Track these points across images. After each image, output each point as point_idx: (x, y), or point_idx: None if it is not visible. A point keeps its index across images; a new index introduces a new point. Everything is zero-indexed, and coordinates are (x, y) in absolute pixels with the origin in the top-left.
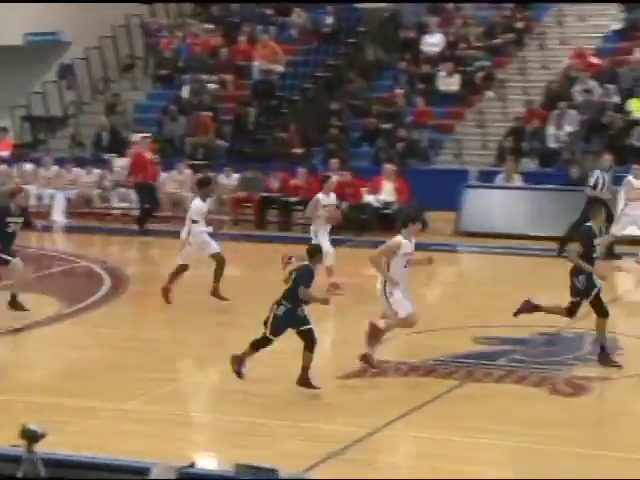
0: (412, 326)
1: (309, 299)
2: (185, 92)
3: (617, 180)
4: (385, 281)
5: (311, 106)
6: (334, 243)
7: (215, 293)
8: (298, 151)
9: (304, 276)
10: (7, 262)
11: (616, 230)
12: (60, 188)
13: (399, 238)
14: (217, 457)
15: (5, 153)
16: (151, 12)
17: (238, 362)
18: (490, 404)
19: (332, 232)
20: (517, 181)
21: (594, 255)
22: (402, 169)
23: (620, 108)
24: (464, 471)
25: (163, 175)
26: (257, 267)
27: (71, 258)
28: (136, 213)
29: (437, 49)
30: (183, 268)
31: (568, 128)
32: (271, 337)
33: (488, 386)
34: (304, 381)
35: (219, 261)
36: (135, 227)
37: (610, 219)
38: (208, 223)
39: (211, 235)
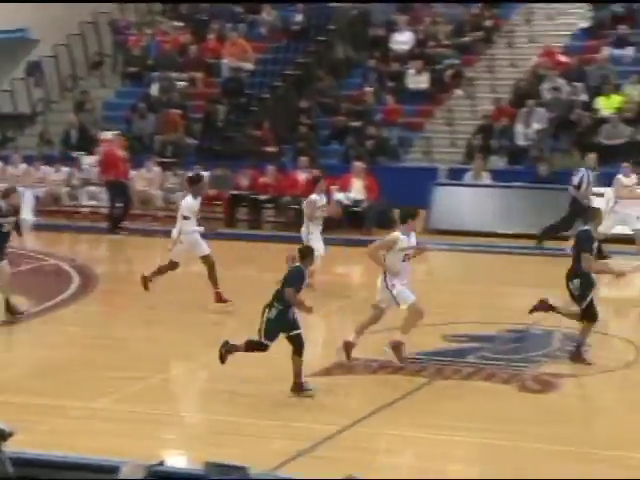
0: (421, 316)
1: (294, 302)
2: (154, 90)
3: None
4: (385, 274)
5: (280, 104)
6: (302, 241)
7: (219, 299)
8: (272, 149)
9: (294, 277)
10: None
11: (605, 229)
12: (28, 186)
13: (397, 234)
14: (186, 455)
15: None
16: (120, 10)
17: (227, 349)
18: (459, 401)
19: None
20: (486, 179)
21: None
22: (372, 167)
23: (588, 106)
24: (433, 468)
25: (132, 173)
26: (227, 265)
27: (40, 256)
28: (105, 211)
29: (406, 47)
30: (173, 265)
31: (536, 126)
32: (266, 342)
33: (457, 383)
34: (299, 387)
35: (209, 264)
36: (104, 225)
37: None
38: (199, 223)
39: (202, 235)
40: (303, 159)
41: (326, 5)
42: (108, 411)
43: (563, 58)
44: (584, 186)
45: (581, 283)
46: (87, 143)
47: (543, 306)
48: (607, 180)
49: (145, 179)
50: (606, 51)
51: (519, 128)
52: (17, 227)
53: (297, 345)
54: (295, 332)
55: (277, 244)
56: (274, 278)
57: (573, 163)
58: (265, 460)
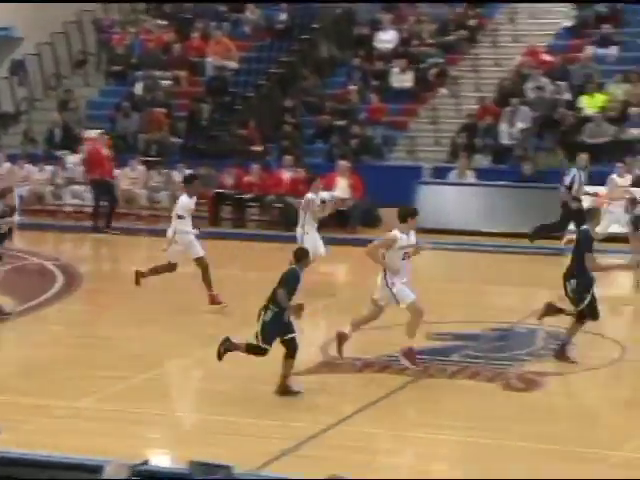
0: (422, 315)
1: (285, 304)
2: (138, 88)
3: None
4: (385, 273)
5: (265, 103)
6: (288, 240)
7: (213, 301)
8: (258, 148)
9: (289, 279)
10: None
11: (600, 229)
12: (12, 185)
13: (395, 232)
14: (171, 454)
15: None
16: (103, 8)
17: (227, 347)
18: (443, 400)
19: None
20: (470, 177)
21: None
22: (356, 166)
23: (571, 105)
24: (418, 467)
25: (116, 172)
26: (211, 264)
27: (23, 255)
28: (89, 210)
29: (390, 46)
30: (171, 267)
31: (520, 125)
32: (265, 347)
33: (442, 382)
34: (285, 390)
35: (203, 266)
36: (89, 224)
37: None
38: (193, 222)
39: (197, 236)
40: (287, 158)
41: (310, 4)
42: (92, 410)
43: (547, 57)
44: (575, 186)
45: (578, 284)
46: (71, 142)
47: (551, 309)
48: (593, 180)
49: (129, 178)
50: (590, 50)
51: (503, 127)
52: (10, 230)
53: (291, 349)
54: (289, 336)
55: (261, 243)
56: (258, 277)
57: (557, 162)
58: (249, 459)
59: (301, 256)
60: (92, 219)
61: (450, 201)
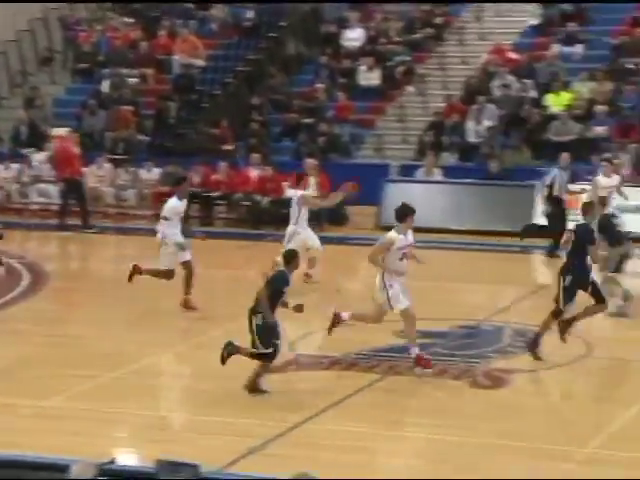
0: (414, 320)
1: (263, 307)
2: (105, 86)
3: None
4: (383, 274)
5: (232, 101)
6: (255, 238)
7: (187, 305)
8: (230, 147)
9: (275, 282)
10: None
11: None
12: None
13: (393, 234)
14: (138, 453)
15: None
16: (70, 5)
17: (229, 351)
18: (411, 397)
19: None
20: (437, 175)
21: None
22: (323, 164)
23: (537, 103)
24: (385, 464)
25: (83, 170)
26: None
27: None
28: (56, 208)
29: (357, 44)
30: (169, 274)
31: (487, 123)
32: (268, 351)
33: (409, 379)
34: (254, 387)
35: (189, 270)
36: (55, 222)
37: (563, 217)
38: (184, 228)
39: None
40: (255, 156)
41: (278, 2)
42: (59, 409)
43: (513, 55)
44: (557, 186)
45: (572, 280)
46: (37, 140)
47: (567, 324)
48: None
49: (96, 176)
50: (555, 48)
51: (470, 125)
52: None
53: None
54: (276, 341)
55: (229, 241)
56: (226, 275)
57: (523, 160)
58: (216, 458)
59: (290, 258)
60: (59, 217)
61: (417, 199)
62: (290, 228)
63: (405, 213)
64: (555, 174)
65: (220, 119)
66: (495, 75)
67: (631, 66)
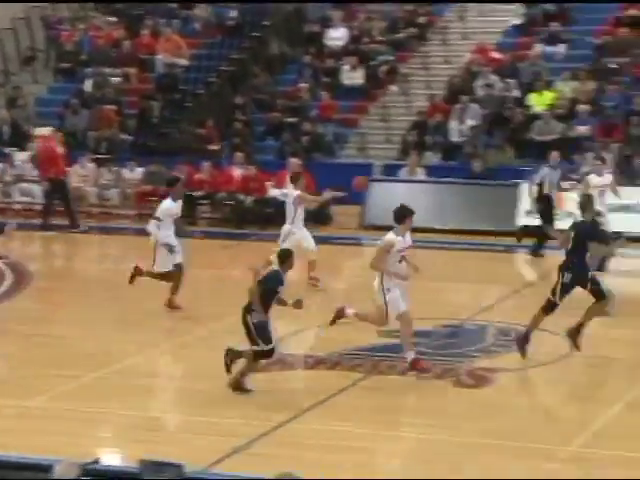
0: (411, 325)
1: (257, 307)
2: (88, 85)
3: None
4: (382, 277)
5: (215, 100)
6: (239, 237)
7: (171, 304)
8: (216, 147)
9: (268, 281)
10: None
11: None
12: None
13: (392, 236)
14: (122, 453)
15: None
16: (52, 5)
17: (232, 357)
18: (394, 397)
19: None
20: (420, 175)
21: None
22: (307, 163)
23: (520, 102)
24: (369, 463)
25: (67, 170)
26: None
27: None
28: (39, 208)
29: (341, 43)
30: (167, 276)
31: (470, 122)
32: (269, 348)
33: (392, 378)
34: (238, 385)
35: (179, 272)
36: (37, 222)
37: (551, 215)
38: (180, 229)
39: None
40: (238, 155)
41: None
42: (43, 409)
43: (496, 55)
44: (547, 184)
45: (572, 278)
46: (19, 139)
47: (576, 332)
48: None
49: (79, 176)
50: (538, 48)
51: (453, 124)
52: None
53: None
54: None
55: (212, 240)
56: (210, 275)
57: (506, 159)
58: (201, 457)
59: (285, 258)
60: (42, 217)
61: (400, 198)
62: (285, 227)
63: (404, 214)
64: (545, 172)
65: (204, 119)
66: (478, 75)
67: (614, 66)
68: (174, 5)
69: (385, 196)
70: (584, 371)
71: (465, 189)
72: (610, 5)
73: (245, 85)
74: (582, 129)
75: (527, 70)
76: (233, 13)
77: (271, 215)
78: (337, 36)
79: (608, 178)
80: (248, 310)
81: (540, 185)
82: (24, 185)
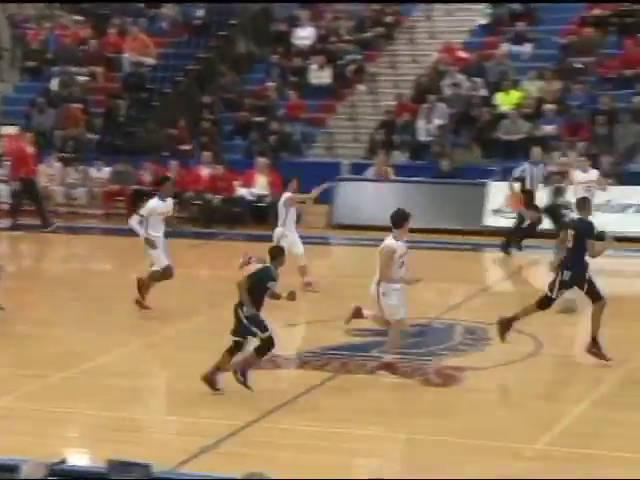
0: (401, 333)
1: (245, 301)
2: (54, 84)
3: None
4: (379, 282)
5: (182, 99)
6: (207, 237)
7: (141, 303)
8: (187, 147)
9: (258, 276)
10: None
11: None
12: None
13: (392, 242)
14: (89, 453)
15: None
16: (18, 3)
17: (242, 373)
18: (362, 395)
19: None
20: (391, 175)
21: None
22: (275, 162)
23: (487, 101)
24: (336, 462)
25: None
26: (129, 262)
27: None
28: (5, 207)
29: (308, 42)
30: (165, 274)
31: (438, 121)
32: (267, 335)
33: (361, 378)
34: (211, 380)
35: (166, 274)
36: (6, 222)
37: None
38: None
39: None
40: (206, 154)
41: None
42: (9, 409)
43: (463, 54)
44: (527, 181)
45: (571, 276)
46: None
47: (595, 345)
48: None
49: (46, 175)
50: (504, 47)
51: (420, 124)
52: None
53: (235, 349)
54: (243, 340)
55: (180, 240)
56: (177, 274)
57: (473, 158)
58: (168, 457)
59: (276, 254)
60: (10, 216)
61: (368, 197)
62: (278, 230)
63: (402, 218)
64: (524, 168)
65: (171, 118)
66: (445, 74)
67: (579, 65)
68: (141, 4)
69: (353, 195)
70: (550, 369)
71: (433, 188)
72: (576, 5)
73: (212, 84)
74: (548, 128)
75: (494, 69)
76: (200, 12)
77: (239, 214)
78: (304, 35)
79: (593, 174)
80: (240, 304)
81: (522, 180)
82: None
